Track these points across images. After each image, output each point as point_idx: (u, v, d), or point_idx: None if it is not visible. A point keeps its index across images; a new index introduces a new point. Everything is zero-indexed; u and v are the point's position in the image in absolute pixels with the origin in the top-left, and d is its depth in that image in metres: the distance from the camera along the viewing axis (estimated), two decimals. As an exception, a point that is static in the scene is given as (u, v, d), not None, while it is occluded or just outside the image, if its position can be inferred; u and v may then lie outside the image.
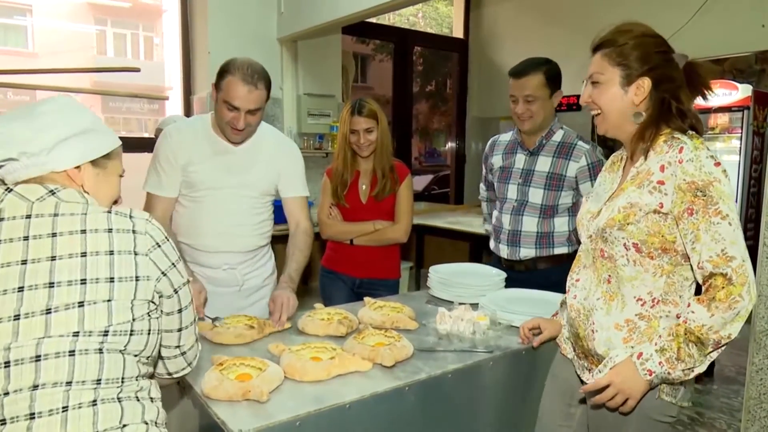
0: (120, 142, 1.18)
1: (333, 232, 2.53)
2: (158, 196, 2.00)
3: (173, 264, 1.12)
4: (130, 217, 1.09)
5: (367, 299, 2.09)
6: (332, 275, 2.55)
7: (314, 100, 4.73)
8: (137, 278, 1.05)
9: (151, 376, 1.20)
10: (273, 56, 4.53)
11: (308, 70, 4.75)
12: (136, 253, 1.05)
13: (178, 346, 1.21)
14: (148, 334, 1.07)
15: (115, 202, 1.20)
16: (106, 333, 1.00)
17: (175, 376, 1.27)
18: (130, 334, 1.03)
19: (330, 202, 2.55)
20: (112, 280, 1.02)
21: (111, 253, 1.03)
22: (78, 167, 1.09)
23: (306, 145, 4.70)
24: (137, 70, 3.44)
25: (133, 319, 1.04)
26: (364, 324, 1.82)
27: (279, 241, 2.22)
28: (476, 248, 4.34)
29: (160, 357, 1.20)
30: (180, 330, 1.19)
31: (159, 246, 1.10)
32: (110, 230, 1.04)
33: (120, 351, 1.03)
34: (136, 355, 1.06)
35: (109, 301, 1.01)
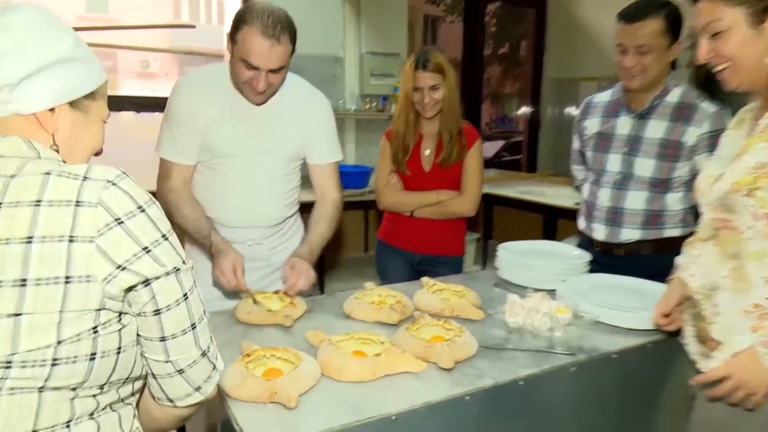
0: (106, 77, 0.90)
1: (391, 202, 2.26)
2: (174, 163, 1.77)
3: (146, 248, 0.78)
4: (84, 178, 0.76)
5: (425, 280, 1.82)
6: (389, 249, 2.30)
7: (378, 59, 4.42)
8: (68, 279, 0.72)
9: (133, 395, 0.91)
10: (334, 12, 4.25)
11: (372, 26, 4.44)
12: (71, 240, 0.72)
13: (168, 361, 0.85)
14: (101, 357, 0.77)
15: (97, 155, 0.94)
16: (8, 365, 0.71)
17: (179, 405, 0.91)
18: (52, 364, 0.73)
19: (389, 168, 2.28)
20: (23, 283, 0.71)
21: (29, 240, 0.71)
22: (52, 109, 0.83)
23: (368, 107, 4.44)
24: (192, 26, 3.26)
25: (59, 342, 0.73)
26: (419, 311, 1.56)
27: (307, 209, 1.96)
28: (550, 222, 3.96)
29: (153, 375, 0.88)
30: (164, 339, 0.83)
31: (120, 222, 0.75)
32: (38, 203, 0.72)
33: (38, 389, 0.73)
34: (74, 389, 0.76)
35: (17, 315, 0.71)
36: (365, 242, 4.63)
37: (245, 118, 1.76)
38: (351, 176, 3.82)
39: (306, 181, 1.96)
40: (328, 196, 1.90)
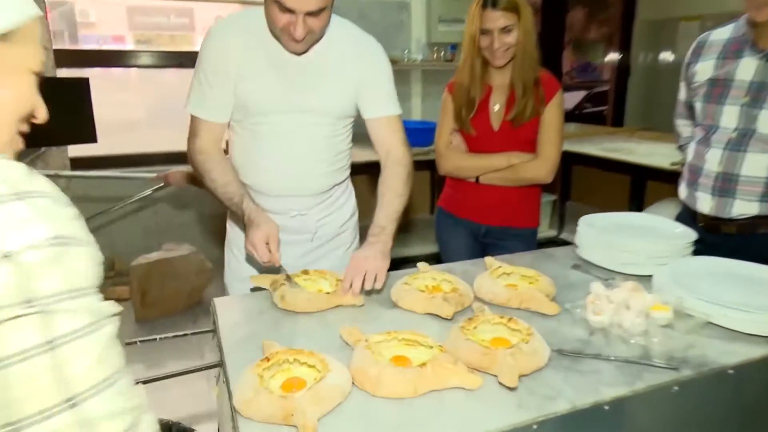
0: (38, 13, 0.66)
1: (453, 166, 1.97)
2: (203, 121, 1.56)
3: None
4: None
5: (488, 261, 1.55)
6: (451, 220, 2.03)
7: (447, 3, 4.03)
8: None
9: None
10: (399, -50, 3.88)
11: (441, -35, 4.03)
12: None
13: None
14: None
15: (32, 119, 0.71)
16: None
17: None
18: None
19: (451, 128, 1.98)
20: None
21: None
22: None
23: (436, 57, 4.08)
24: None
25: None
26: (479, 303, 1.30)
27: (359, 171, 1.71)
28: (638, 184, 3.52)
29: None
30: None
31: None
32: None
33: None
34: None
35: None
36: (431, 205, 4.36)
37: (284, 70, 1.52)
38: (416, 133, 3.53)
39: (359, 139, 1.72)
40: (393, 154, 1.63)
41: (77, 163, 3.46)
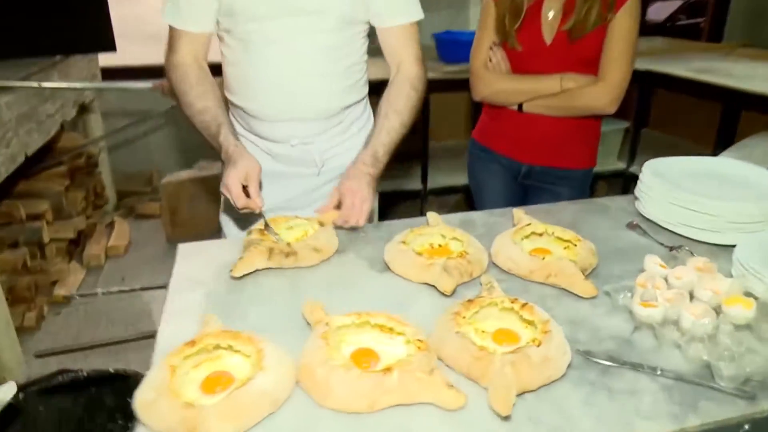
0: None
1: (491, 90, 1.60)
2: (180, 31, 1.28)
3: None
4: None
5: (516, 214, 1.24)
6: (486, 155, 1.69)
7: None
8: None
9: None
10: None
11: None
12: None
13: None
14: None
15: None
16: None
17: None
18: None
19: (491, 41, 1.60)
20: None
21: None
22: None
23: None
24: None
25: None
26: (488, 277, 1.00)
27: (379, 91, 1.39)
28: (730, 114, 2.96)
29: None
30: None
31: None
32: None
33: None
34: None
35: None
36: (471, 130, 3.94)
37: None
38: (468, 47, 3.09)
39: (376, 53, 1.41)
40: (404, 71, 1.35)
41: (107, 73, 3.29)
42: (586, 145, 1.60)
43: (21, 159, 2.12)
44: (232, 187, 1.15)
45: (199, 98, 1.26)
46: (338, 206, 1.20)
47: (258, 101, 1.33)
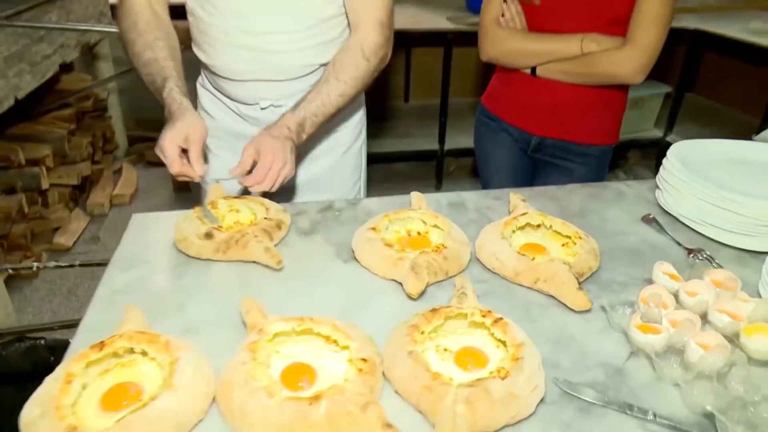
0: None
1: (502, 49, 1.40)
2: None
3: None
4: None
5: (513, 199, 1.08)
6: (495, 123, 1.51)
7: None
8: None
9: None
10: None
11: None
12: None
13: None
14: None
15: None
16: None
17: None
18: None
19: (506, -8, 1.39)
20: None
21: None
22: None
23: None
24: None
25: None
26: (463, 279, 0.85)
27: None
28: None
29: None
30: None
31: None
32: None
33: None
34: None
35: None
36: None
37: None
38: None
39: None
40: (358, 35, 1.15)
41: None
42: (607, 119, 1.40)
43: (10, 102, 2.02)
44: (166, 149, 1.01)
45: (147, 48, 1.12)
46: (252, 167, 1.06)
47: (220, 58, 1.18)
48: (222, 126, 1.28)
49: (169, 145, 1.00)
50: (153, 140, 3.46)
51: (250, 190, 1.04)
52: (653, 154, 3.39)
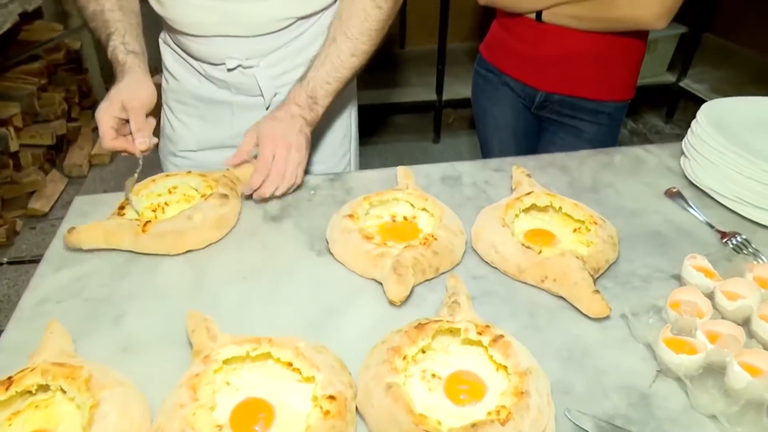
0: None
1: (504, -11, 1.21)
2: None
3: None
4: None
5: (516, 174, 0.92)
6: (494, 76, 1.34)
7: None
8: None
9: None
10: None
11: None
12: None
13: None
14: None
15: None
16: None
17: None
18: None
19: None
20: None
21: None
22: None
23: None
24: None
25: None
26: (455, 280, 0.71)
27: None
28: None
29: None
30: None
31: None
32: None
33: None
34: None
35: None
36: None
37: None
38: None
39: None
40: None
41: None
42: (622, 71, 1.23)
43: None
44: (99, 120, 0.86)
45: (93, 1, 0.94)
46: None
47: (176, 9, 0.99)
48: (188, 89, 1.11)
49: (102, 116, 0.84)
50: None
51: (254, 198, 0.89)
52: (663, 101, 3.19)
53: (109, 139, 0.85)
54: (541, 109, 1.29)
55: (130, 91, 0.85)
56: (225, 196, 0.84)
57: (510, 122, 1.35)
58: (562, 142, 1.28)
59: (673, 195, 0.92)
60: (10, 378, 0.56)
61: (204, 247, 0.81)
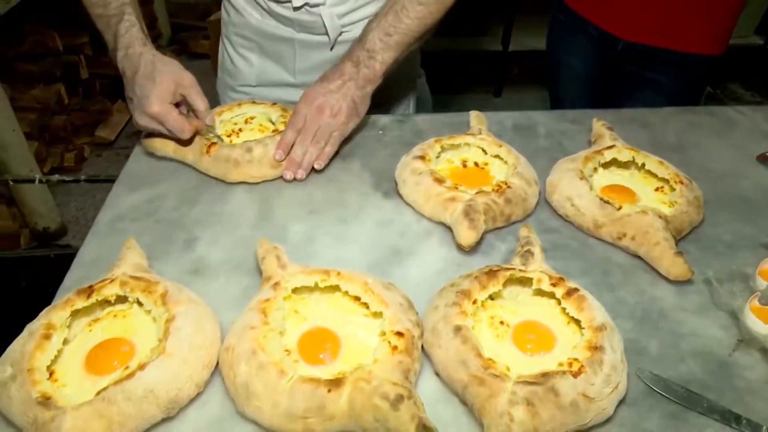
0: None
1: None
2: None
3: None
4: None
5: (596, 127, 0.88)
6: (573, 22, 1.25)
7: None
8: None
9: None
10: None
11: None
12: None
13: None
14: None
15: None
16: None
17: None
18: None
19: None
20: None
21: None
22: None
23: None
24: None
25: None
26: (528, 230, 0.69)
27: None
28: None
29: None
30: None
31: None
32: None
33: None
34: None
35: None
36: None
37: None
38: None
39: None
40: None
41: None
42: (717, 21, 1.12)
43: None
44: (162, 113, 0.76)
45: None
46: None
47: None
48: (250, 22, 1.08)
49: (161, 108, 0.76)
50: (198, 29, 3.24)
51: (285, 172, 0.81)
52: (748, 65, 2.97)
53: (188, 126, 0.79)
54: (619, 56, 1.20)
55: (173, 72, 0.79)
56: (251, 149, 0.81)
57: (585, 74, 1.28)
58: (640, 96, 1.21)
59: (767, 160, 0.85)
60: (91, 287, 0.58)
61: (260, 182, 0.81)
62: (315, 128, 0.81)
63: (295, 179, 0.81)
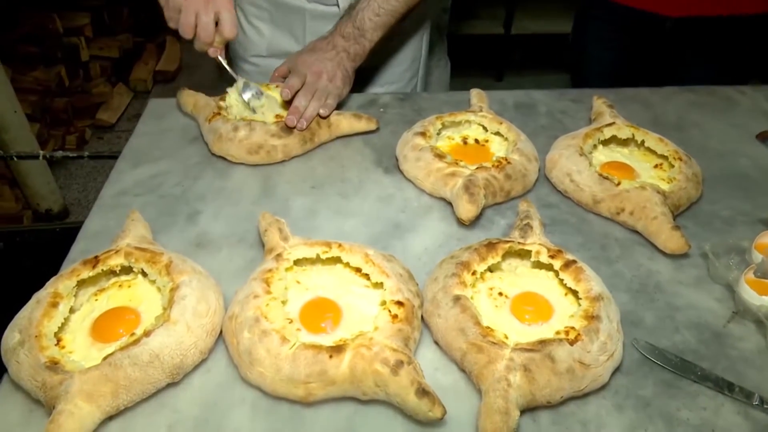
0: None
1: None
2: None
3: None
4: None
5: (596, 104, 0.88)
6: (603, 11, 1.17)
7: None
8: None
9: None
10: None
11: None
12: None
13: None
14: None
15: None
16: None
17: None
18: None
19: None
20: None
21: None
22: None
23: None
24: None
25: None
26: (527, 205, 0.69)
27: None
28: None
29: None
30: None
31: None
32: None
33: None
34: None
35: None
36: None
37: None
38: None
39: None
40: None
41: None
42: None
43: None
44: (195, 14, 0.79)
45: None
46: None
47: None
48: None
49: (189, 4, 0.79)
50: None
51: (288, 121, 0.82)
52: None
53: (207, 30, 0.81)
54: (670, 39, 1.13)
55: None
56: (289, 129, 0.81)
57: (618, 68, 1.20)
58: (701, 75, 1.09)
59: (766, 139, 0.86)
60: (96, 257, 0.59)
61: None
62: (315, 88, 0.83)
63: (296, 128, 0.81)
